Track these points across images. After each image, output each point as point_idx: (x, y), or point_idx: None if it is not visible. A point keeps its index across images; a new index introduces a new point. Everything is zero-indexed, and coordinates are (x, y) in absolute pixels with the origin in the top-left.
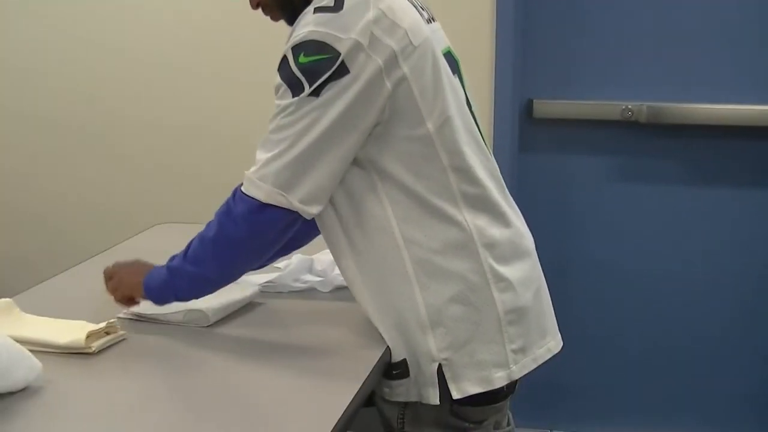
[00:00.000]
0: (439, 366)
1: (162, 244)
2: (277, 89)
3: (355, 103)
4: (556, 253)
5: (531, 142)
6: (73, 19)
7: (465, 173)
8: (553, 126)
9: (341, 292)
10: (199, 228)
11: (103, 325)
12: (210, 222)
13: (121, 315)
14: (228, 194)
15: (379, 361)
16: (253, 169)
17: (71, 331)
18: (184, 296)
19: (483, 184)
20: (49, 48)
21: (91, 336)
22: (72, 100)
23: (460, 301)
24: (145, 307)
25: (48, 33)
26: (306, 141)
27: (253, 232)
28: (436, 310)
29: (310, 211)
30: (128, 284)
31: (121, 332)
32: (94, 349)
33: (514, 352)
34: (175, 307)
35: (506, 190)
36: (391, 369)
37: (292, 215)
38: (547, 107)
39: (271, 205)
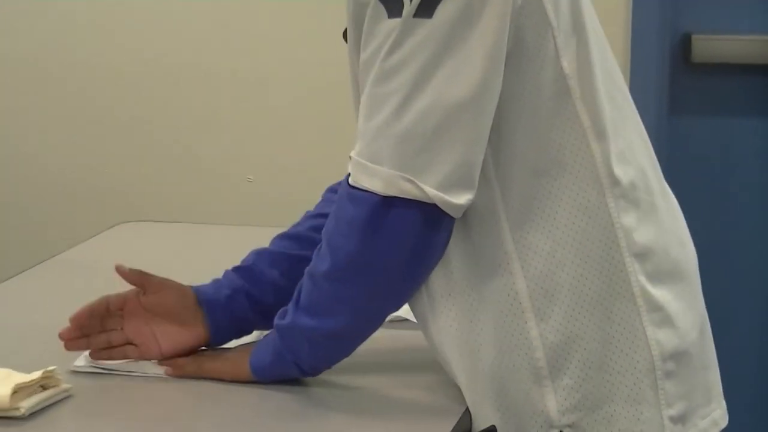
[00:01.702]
0: None
1: (130, 247)
2: (358, 8)
3: (491, 24)
4: (722, 270)
5: (688, 98)
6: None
7: (611, 142)
8: (721, 74)
9: (399, 325)
10: (171, 228)
11: (37, 375)
12: (319, 246)
13: (76, 366)
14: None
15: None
16: (358, 146)
17: None
18: (311, 365)
19: (634, 161)
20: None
21: (18, 392)
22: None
23: (595, 339)
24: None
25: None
26: (430, 90)
27: (376, 245)
28: (558, 351)
29: (457, 201)
30: (227, 371)
31: (65, 386)
32: (23, 411)
33: (673, 420)
34: None
35: (660, 171)
36: None
37: (431, 212)
38: (713, 46)
39: (396, 198)
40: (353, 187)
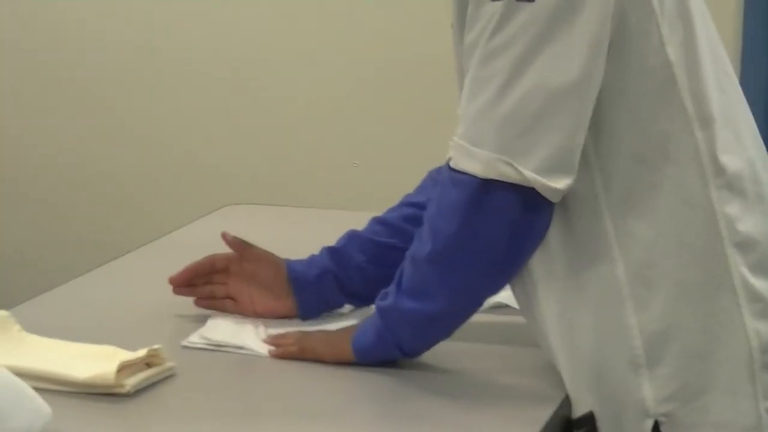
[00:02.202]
0: (655, 424)
1: (235, 229)
2: None
3: (593, 8)
4: None
5: None
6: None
7: (717, 131)
8: None
9: (504, 311)
10: (277, 211)
11: (143, 353)
12: (420, 230)
13: (188, 342)
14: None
15: (551, 420)
16: (460, 129)
17: (96, 362)
18: (412, 347)
19: (741, 150)
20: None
21: (124, 369)
22: (112, 74)
23: (694, 329)
24: (224, 331)
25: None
26: (531, 73)
27: (476, 228)
28: (657, 340)
29: (555, 185)
30: (329, 353)
31: (169, 364)
32: (128, 388)
33: None
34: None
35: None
36: (572, 428)
37: (530, 196)
38: None
39: (495, 181)
40: (454, 170)
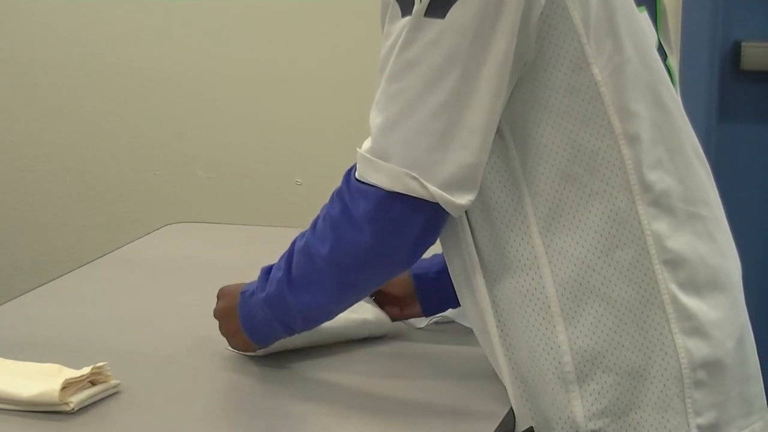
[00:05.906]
0: None
1: (176, 248)
2: (384, 10)
3: (504, 30)
4: None
5: (737, 105)
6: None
7: (645, 148)
8: None
9: (447, 327)
10: (219, 229)
11: (86, 370)
12: (316, 225)
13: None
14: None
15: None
16: (366, 143)
17: (40, 379)
18: (302, 329)
19: (674, 168)
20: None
21: (68, 387)
22: (73, 91)
23: (623, 346)
24: None
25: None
26: (440, 90)
27: (385, 238)
28: (586, 356)
29: (458, 201)
30: (228, 330)
31: (114, 382)
32: (72, 406)
33: (702, 429)
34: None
35: (712, 179)
36: None
37: (432, 210)
38: (763, 54)
39: (400, 194)
40: (360, 182)
